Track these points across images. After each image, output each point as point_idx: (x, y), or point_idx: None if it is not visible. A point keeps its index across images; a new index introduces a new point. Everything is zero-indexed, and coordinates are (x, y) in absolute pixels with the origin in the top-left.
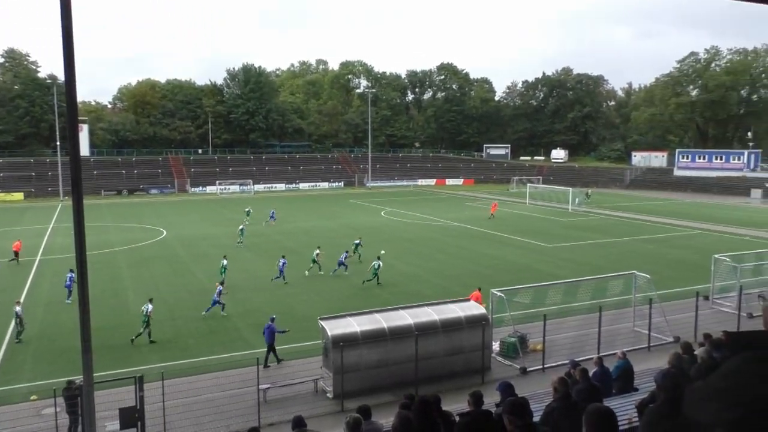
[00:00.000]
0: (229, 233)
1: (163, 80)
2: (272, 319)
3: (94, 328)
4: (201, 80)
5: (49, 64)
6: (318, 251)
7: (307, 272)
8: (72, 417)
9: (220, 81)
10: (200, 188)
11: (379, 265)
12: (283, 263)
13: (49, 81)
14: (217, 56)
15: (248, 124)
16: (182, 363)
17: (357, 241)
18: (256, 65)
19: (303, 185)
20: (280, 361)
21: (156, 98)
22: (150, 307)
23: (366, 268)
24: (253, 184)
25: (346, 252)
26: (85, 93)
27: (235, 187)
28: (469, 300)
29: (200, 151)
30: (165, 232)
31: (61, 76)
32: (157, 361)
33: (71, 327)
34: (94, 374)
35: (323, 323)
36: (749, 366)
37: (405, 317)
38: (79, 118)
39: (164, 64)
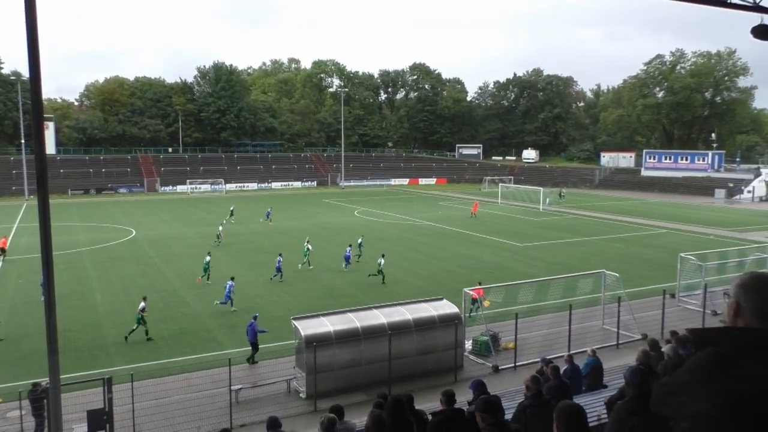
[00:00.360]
0: (201, 233)
1: (131, 78)
2: (255, 317)
3: (60, 329)
4: (171, 78)
5: (13, 61)
6: (309, 246)
7: (302, 266)
8: (38, 420)
9: (190, 79)
10: (170, 187)
11: (381, 263)
12: (280, 261)
13: (13, 78)
14: (187, 54)
15: (219, 122)
16: (152, 364)
17: (360, 240)
18: (227, 63)
19: (275, 185)
20: (255, 362)
21: (124, 96)
22: (142, 304)
23: (367, 267)
24: (225, 184)
25: (350, 246)
26: (50, 90)
27: (206, 186)
28: (441, 299)
29: (170, 149)
30: (134, 232)
31: (25, 73)
32: (126, 362)
33: (36, 329)
34: (61, 376)
35: (296, 323)
36: (711, 361)
37: (378, 316)
38: (45, 115)
39: (132, 61)
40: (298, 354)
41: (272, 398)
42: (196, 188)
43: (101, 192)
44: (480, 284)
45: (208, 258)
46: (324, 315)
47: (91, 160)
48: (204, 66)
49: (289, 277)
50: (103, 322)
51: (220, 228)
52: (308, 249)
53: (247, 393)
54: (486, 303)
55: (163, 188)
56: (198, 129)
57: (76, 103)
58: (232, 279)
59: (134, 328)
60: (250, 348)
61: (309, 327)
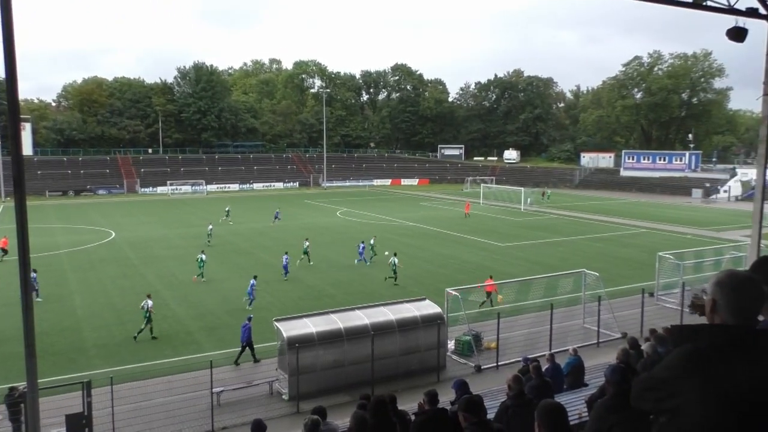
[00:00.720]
0: (181, 234)
1: (110, 78)
2: (249, 319)
3: (38, 332)
4: (150, 78)
5: None
6: (307, 243)
7: (311, 264)
8: (15, 425)
9: (170, 79)
10: (150, 189)
11: (395, 262)
12: (287, 259)
13: None
14: (167, 54)
15: (200, 123)
16: (132, 367)
17: (372, 241)
18: (208, 64)
19: (257, 185)
20: (238, 364)
21: (103, 96)
22: (150, 303)
23: (379, 268)
24: (206, 185)
25: (362, 243)
26: (27, 90)
27: (187, 188)
28: (424, 299)
29: (150, 150)
30: (113, 234)
31: (1, 73)
32: (105, 365)
33: (13, 332)
34: (39, 380)
35: (278, 324)
36: (689, 357)
37: (361, 317)
38: (21, 116)
39: (111, 61)
40: (281, 355)
41: (254, 400)
42: (176, 189)
43: (80, 193)
44: (491, 278)
45: (203, 256)
46: (307, 316)
47: (69, 161)
48: (184, 66)
49: (275, 277)
50: (82, 325)
51: (210, 227)
52: (306, 249)
53: (228, 395)
54: (500, 298)
55: (143, 189)
56: (178, 130)
57: (53, 104)
58: (255, 278)
59: (150, 325)
60: (251, 348)
61: (291, 328)
